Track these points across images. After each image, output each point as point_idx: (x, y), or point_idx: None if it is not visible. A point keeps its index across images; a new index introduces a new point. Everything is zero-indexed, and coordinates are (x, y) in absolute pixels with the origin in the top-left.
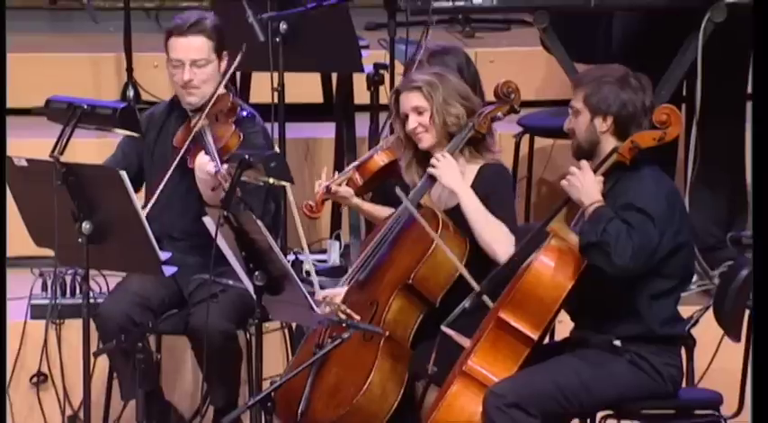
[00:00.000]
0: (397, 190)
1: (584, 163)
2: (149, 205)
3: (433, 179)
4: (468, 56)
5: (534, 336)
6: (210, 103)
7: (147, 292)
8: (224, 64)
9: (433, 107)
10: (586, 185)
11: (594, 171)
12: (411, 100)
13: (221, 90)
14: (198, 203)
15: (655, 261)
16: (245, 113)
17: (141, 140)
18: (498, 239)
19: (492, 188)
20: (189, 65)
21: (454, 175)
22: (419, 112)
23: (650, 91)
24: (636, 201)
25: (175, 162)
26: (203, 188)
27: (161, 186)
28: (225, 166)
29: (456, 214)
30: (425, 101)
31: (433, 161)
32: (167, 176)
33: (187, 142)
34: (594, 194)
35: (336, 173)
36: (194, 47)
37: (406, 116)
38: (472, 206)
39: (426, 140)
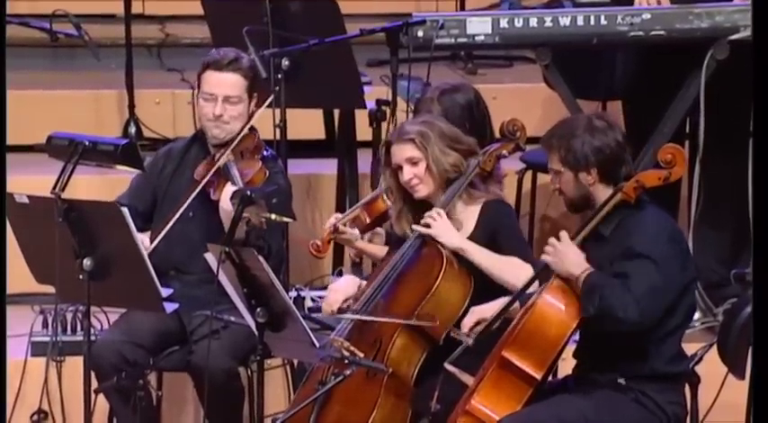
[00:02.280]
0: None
1: (562, 235)
2: (159, 238)
3: (420, 238)
4: (478, 93)
5: (538, 375)
6: (237, 141)
7: (141, 330)
8: (253, 104)
9: (429, 158)
10: (570, 258)
11: (597, 213)
12: (404, 151)
13: (246, 130)
14: (211, 238)
15: (668, 302)
16: (267, 153)
17: (156, 177)
18: (516, 276)
19: (498, 224)
20: (221, 100)
21: (453, 234)
22: (413, 162)
23: (618, 126)
24: (636, 244)
25: (194, 194)
26: (227, 220)
27: (176, 217)
28: None
29: (457, 255)
30: (419, 151)
31: (428, 221)
32: (183, 208)
33: (209, 174)
34: (580, 264)
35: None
36: (229, 83)
37: (400, 167)
38: (481, 256)
39: (422, 191)
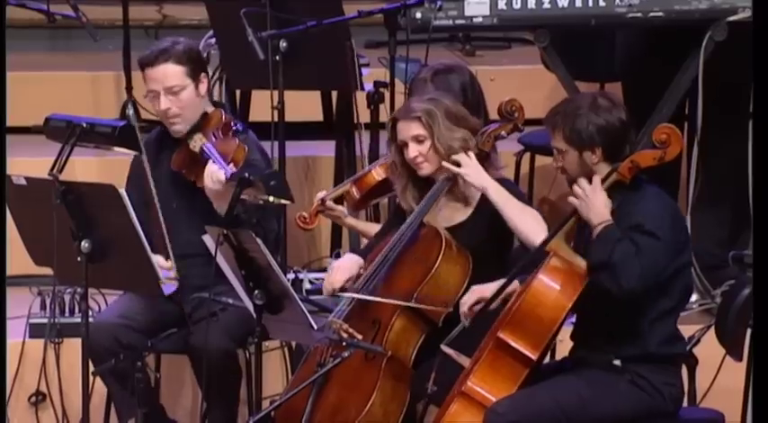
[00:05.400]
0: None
1: (596, 180)
2: (169, 251)
3: (448, 181)
4: (472, 74)
5: (533, 356)
6: (203, 123)
7: (136, 313)
8: (204, 86)
9: (434, 137)
10: (597, 204)
11: None
12: (410, 129)
13: (210, 109)
14: (200, 223)
15: (659, 281)
16: (237, 126)
17: (139, 177)
18: (533, 224)
19: None
20: (164, 94)
21: (483, 174)
22: (419, 140)
23: (622, 104)
24: (645, 222)
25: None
26: (215, 198)
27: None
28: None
29: (458, 231)
30: (424, 130)
31: (459, 159)
32: (158, 201)
33: (184, 161)
34: (604, 213)
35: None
36: (165, 75)
37: (405, 144)
38: (502, 197)
39: (426, 168)
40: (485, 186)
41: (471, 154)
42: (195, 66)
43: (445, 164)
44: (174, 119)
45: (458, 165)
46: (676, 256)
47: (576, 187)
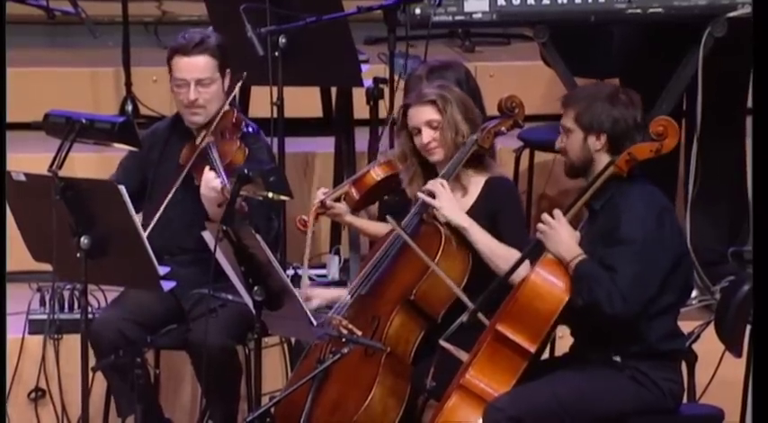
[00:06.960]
0: (389, 218)
1: (558, 214)
2: (152, 224)
3: (426, 205)
4: (468, 71)
5: (531, 348)
6: (216, 121)
7: (140, 308)
8: (227, 81)
9: (446, 121)
10: (564, 239)
11: (590, 185)
12: (425, 114)
13: (226, 107)
14: (200, 219)
15: (654, 286)
16: (249, 129)
17: (144, 158)
18: (508, 264)
19: (500, 203)
20: (194, 84)
21: (456, 210)
22: (433, 126)
23: (640, 106)
24: (621, 227)
25: (180, 179)
26: (209, 205)
27: (165, 203)
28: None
29: None
30: (439, 114)
31: (432, 188)
32: (171, 194)
33: (192, 159)
34: (574, 248)
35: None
36: (199, 66)
37: (418, 130)
38: (480, 237)
39: (439, 154)
40: (458, 223)
41: (445, 183)
42: (224, 60)
43: (420, 194)
44: (197, 109)
45: (432, 195)
46: (668, 256)
47: (540, 224)
